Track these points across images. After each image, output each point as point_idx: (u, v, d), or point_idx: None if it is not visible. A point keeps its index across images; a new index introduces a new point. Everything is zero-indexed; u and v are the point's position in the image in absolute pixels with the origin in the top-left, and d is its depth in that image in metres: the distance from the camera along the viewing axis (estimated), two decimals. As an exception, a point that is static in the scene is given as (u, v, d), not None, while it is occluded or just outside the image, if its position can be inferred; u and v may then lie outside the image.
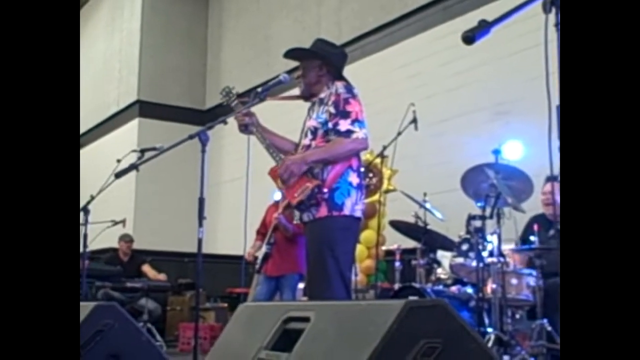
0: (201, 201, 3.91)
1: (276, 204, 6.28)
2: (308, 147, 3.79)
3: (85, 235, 5.74)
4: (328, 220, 3.61)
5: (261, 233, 6.33)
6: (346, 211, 3.62)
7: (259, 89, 3.94)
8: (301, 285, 6.76)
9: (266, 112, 4.18)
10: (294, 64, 4.06)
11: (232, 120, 4.11)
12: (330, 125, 3.68)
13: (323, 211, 3.62)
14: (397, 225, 6.19)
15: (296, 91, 4.02)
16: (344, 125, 3.64)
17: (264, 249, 6.10)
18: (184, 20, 13.03)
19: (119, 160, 5.44)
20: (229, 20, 12.60)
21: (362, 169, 3.86)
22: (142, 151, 5.32)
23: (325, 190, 3.61)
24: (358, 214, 3.69)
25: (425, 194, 6.14)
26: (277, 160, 3.83)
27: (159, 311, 8.78)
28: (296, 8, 10.78)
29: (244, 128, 3.97)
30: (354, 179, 3.69)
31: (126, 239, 9.09)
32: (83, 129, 14.59)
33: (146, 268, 9.07)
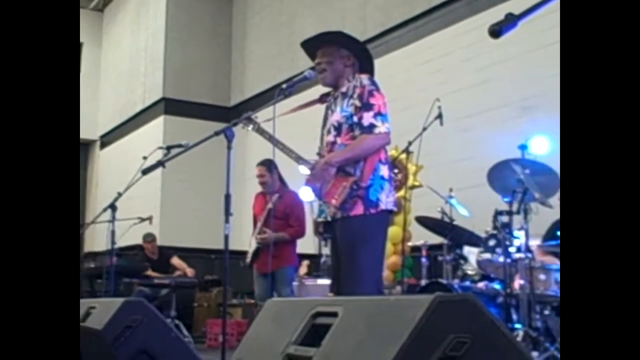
0: (227, 197, 3.92)
1: (262, 193, 6.19)
2: (333, 143, 3.75)
3: (113, 233, 5.81)
4: (363, 219, 3.59)
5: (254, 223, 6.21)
6: (382, 206, 3.61)
7: (284, 86, 3.93)
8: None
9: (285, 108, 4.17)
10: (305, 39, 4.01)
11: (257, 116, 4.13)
12: (355, 119, 3.65)
13: (359, 209, 3.58)
14: (423, 221, 6.16)
15: (313, 94, 4.00)
16: (367, 118, 3.61)
17: (253, 244, 5.99)
18: (208, 16, 13.06)
19: (145, 158, 5.48)
20: (253, 17, 12.61)
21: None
22: (168, 148, 5.35)
23: (363, 184, 3.58)
24: (391, 206, 3.68)
25: (451, 190, 6.12)
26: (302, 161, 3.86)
27: (184, 303, 8.81)
28: (320, 4, 10.77)
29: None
30: (385, 172, 3.68)
31: (148, 239, 9.11)
32: (110, 126, 14.72)
33: (175, 261, 9.12)
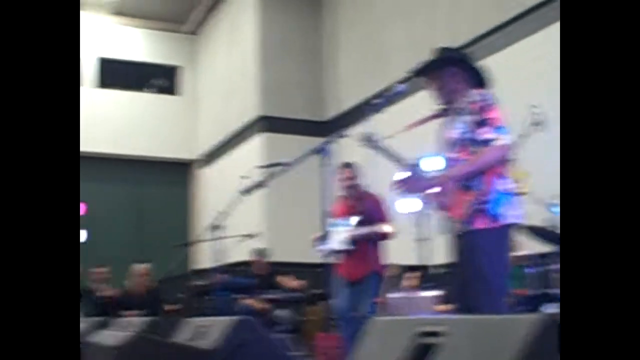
0: (324, 214, 4.00)
1: (343, 197, 6.04)
2: (456, 160, 3.76)
3: (218, 251, 5.96)
4: (486, 233, 3.60)
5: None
6: (502, 221, 3.61)
7: (375, 101, 3.96)
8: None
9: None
10: (409, 69, 4.02)
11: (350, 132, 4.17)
12: (470, 134, 3.67)
13: (481, 223, 3.60)
14: (530, 230, 6.03)
15: (425, 108, 4.00)
16: (483, 134, 3.62)
17: (343, 241, 5.71)
18: (299, 32, 13.23)
19: (243, 177, 5.62)
20: (343, 30, 12.69)
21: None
22: (267, 167, 5.47)
23: (485, 198, 3.60)
24: (513, 220, 3.66)
25: (557, 196, 5.96)
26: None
27: (293, 319, 8.89)
28: (409, 14, 10.72)
29: None
30: (504, 186, 3.67)
31: (259, 255, 9.25)
32: (209, 146, 15.08)
33: (282, 277, 9.21)
